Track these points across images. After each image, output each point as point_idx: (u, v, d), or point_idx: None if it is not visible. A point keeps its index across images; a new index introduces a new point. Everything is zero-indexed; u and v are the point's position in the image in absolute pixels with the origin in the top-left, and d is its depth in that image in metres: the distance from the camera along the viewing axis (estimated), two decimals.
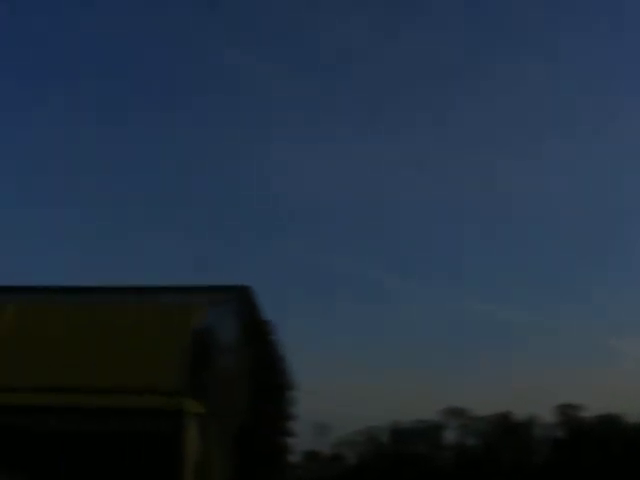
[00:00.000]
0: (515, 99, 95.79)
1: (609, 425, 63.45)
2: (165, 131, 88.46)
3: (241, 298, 17.10)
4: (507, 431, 65.28)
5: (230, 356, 16.76)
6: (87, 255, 74.26)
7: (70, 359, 13.75)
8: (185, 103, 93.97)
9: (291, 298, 72.55)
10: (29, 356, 13.74)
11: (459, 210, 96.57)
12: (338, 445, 66.18)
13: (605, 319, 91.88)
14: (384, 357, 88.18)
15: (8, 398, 12.78)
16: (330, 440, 64.70)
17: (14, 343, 14.03)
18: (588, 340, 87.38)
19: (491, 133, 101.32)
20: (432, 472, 63.12)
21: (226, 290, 16.88)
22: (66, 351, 13.89)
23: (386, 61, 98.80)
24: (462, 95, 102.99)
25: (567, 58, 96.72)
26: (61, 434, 12.97)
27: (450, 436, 68.14)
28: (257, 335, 17.91)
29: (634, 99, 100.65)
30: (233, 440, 16.16)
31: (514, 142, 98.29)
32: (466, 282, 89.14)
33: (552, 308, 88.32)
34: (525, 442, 65.39)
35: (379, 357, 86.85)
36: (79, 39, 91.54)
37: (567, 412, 66.15)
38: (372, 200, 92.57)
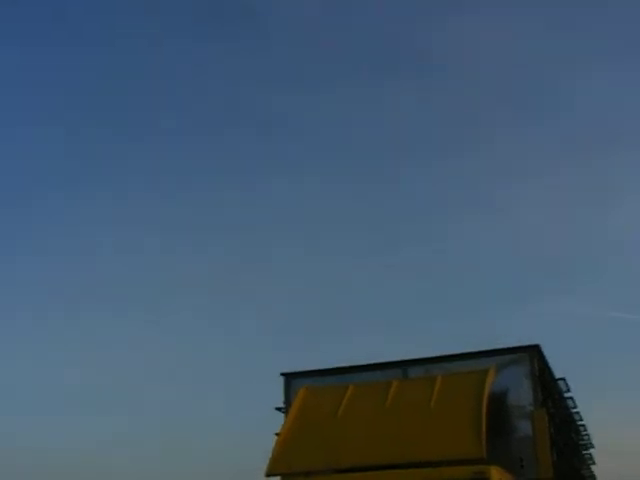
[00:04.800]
0: None
1: None
2: None
3: (531, 357, 16.67)
4: None
5: (526, 418, 16.33)
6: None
7: (381, 435, 13.95)
8: None
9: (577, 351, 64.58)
10: (356, 434, 14.12)
11: None
12: None
13: None
14: None
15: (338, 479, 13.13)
16: None
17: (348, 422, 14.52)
18: None
19: None
20: None
21: (514, 351, 16.51)
22: (377, 427, 14.11)
23: None
24: None
25: None
26: None
27: None
28: (550, 394, 17.33)
29: None
30: None
31: None
32: None
33: None
34: None
35: None
36: None
37: None
38: None
